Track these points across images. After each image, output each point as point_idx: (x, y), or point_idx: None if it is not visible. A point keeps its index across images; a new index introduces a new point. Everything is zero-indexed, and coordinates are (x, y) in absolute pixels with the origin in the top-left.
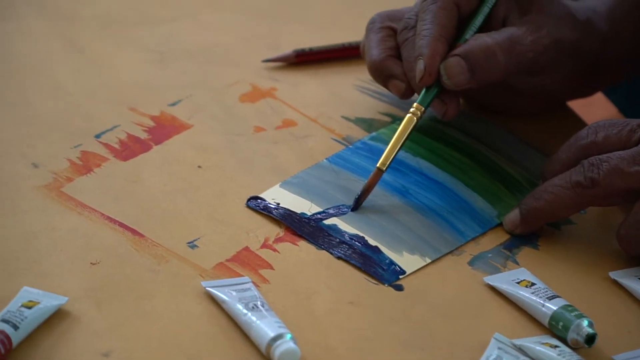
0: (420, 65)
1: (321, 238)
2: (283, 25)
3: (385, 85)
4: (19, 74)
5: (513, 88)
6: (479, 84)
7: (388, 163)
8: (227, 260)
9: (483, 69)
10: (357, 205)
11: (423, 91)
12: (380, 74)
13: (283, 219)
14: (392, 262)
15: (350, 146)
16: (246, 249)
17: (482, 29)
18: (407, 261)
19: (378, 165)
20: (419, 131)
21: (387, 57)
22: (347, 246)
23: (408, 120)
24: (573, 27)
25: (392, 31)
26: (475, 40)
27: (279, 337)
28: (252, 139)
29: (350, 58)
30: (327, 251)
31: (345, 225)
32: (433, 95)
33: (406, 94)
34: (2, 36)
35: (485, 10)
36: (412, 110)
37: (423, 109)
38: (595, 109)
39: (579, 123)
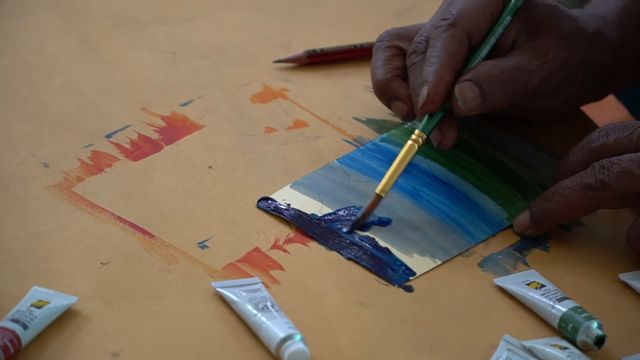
0: (424, 92)
1: (331, 239)
2: (295, 25)
3: (388, 106)
4: (30, 71)
5: (523, 108)
6: (488, 110)
7: (388, 189)
8: (238, 261)
9: (493, 95)
10: (353, 228)
11: (425, 118)
12: (384, 95)
13: (293, 219)
14: (402, 264)
15: (361, 147)
16: (256, 249)
17: (491, 52)
18: (417, 263)
19: (377, 191)
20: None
21: (392, 77)
22: (357, 247)
23: (409, 147)
24: (582, 45)
25: (399, 50)
26: (484, 67)
27: (288, 337)
28: (263, 139)
29: (362, 59)
30: (338, 252)
31: None
32: (435, 123)
33: (408, 117)
34: (15, 32)
35: (492, 40)
36: (413, 137)
37: (425, 136)
38: (606, 111)
39: (590, 125)
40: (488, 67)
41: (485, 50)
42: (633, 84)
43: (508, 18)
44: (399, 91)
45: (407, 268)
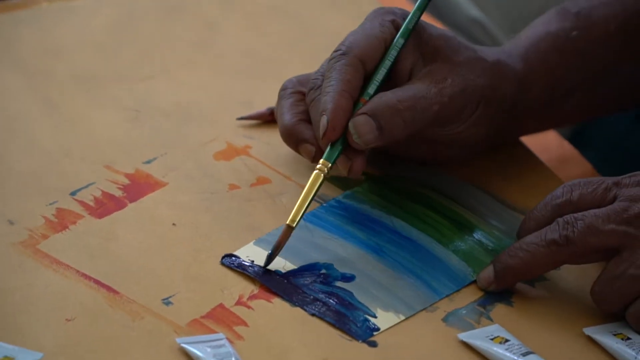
0: (323, 121)
1: (295, 295)
2: (258, 83)
3: (297, 150)
4: None
5: (429, 139)
6: (387, 141)
7: (297, 219)
8: (202, 317)
9: (390, 126)
10: (268, 262)
11: (329, 147)
12: (292, 139)
13: (257, 276)
14: (366, 319)
15: (325, 204)
16: (221, 305)
17: (389, 83)
18: (381, 318)
19: (287, 222)
20: (393, 190)
21: (298, 121)
22: (321, 303)
23: (315, 176)
24: (481, 72)
25: (303, 95)
26: (380, 99)
27: None
28: (227, 196)
29: None
30: (302, 308)
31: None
32: (339, 151)
33: (316, 158)
34: None
35: (387, 64)
36: (318, 166)
37: (330, 164)
38: (570, 167)
39: (554, 181)
40: (385, 99)
41: (380, 73)
42: (552, 126)
43: (401, 40)
44: (305, 134)
45: (371, 323)
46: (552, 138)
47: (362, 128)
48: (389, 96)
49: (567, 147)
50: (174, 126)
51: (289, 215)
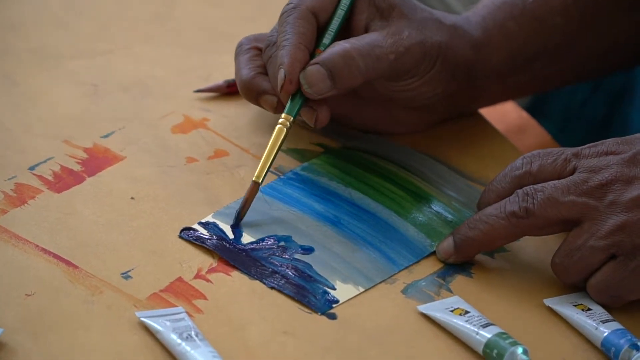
0: (281, 74)
1: (254, 268)
2: (215, 57)
3: (257, 103)
4: None
5: (384, 99)
6: (341, 90)
7: (263, 175)
8: (161, 291)
9: (343, 75)
10: (237, 220)
11: (289, 100)
12: (251, 92)
13: (216, 249)
14: (325, 291)
15: (282, 176)
16: (179, 279)
17: (344, 37)
18: (340, 290)
19: (253, 178)
20: (350, 162)
21: (256, 74)
22: (280, 276)
23: (278, 130)
24: (437, 29)
25: (260, 50)
26: (333, 48)
27: None
28: (185, 170)
29: None
30: (260, 281)
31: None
32: (300, 104)
33: (278, 109)
34: None
35: (340, 13)
36: (281, 120)
37: (292, 118)
38: (528, 137)
39: (513, 151)
40: (338, 47)
41: (335, 23)
42: (511, 97)
43: None
44: (264, 85)
45: (330, 296)
46: (510, 108)
47: (312, 77)
48: (342, 45)
49: (525, 117)
50: (132, 100)
51: (248, 185)
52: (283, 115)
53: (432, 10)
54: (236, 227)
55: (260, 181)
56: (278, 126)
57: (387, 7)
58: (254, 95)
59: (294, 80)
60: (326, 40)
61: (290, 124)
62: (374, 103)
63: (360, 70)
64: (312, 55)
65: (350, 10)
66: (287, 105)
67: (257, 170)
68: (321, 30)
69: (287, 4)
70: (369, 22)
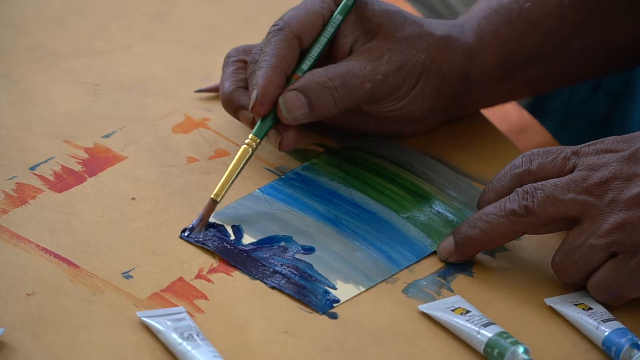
0: (253, 95)
1: (255, 268)
2: (215, 57)
3: (236, 116)
4: None
5: (374, 115)
6: (317, 118)
7: (222, 194)
8: (162, 291)
9: (319, 103)
10: (189, 234)
11: (259, 122)
12: (230, 106)
13: (217, 249)
14: (326, 291)
15: (283, 176)
16: (180, 279)
17: (329, 60)
18: (341, 290)
19: (212, 196)
20: (351, 162)
21: (237, 89)
22: (281, 276)
23: (243, 151)
24: (424, 47)
25: (245, 64)
26: (311, 75)
27: None
28: (185, 169)
29: None
30: (261, 281)
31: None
32: (269, 127)
33: (254, 125)
34: None
35: (323, 40)
36: (247, 141)
37: (258, 140)
38: (529, 136)
39: (513, 150)
40: (316, 75)
41: (315, 50)
42: (506, 100)
43: (339, 17)
44: (243, 100)
45: (331, 295)
46: (511, 107)
47: (291, 104)
48: (320, 72)
49: (525, 116)
50: (133, 100)
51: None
52: (250, 136)
53: (424, 22)
54: (187, 237)
55: (219, 199)
56: (243, 146)
57: (374, 26)
58: (233, 108)
59: (265, 103)
60: (305, 66)
61: (256, 144)
62: (365, 115)
63: (336, 100)
64: (288, 79)
65: (336, 32)
66: (257, 126)
67: (217, 189)
68: (304, 54)
69: (274, 24)
70: (353, 44)
